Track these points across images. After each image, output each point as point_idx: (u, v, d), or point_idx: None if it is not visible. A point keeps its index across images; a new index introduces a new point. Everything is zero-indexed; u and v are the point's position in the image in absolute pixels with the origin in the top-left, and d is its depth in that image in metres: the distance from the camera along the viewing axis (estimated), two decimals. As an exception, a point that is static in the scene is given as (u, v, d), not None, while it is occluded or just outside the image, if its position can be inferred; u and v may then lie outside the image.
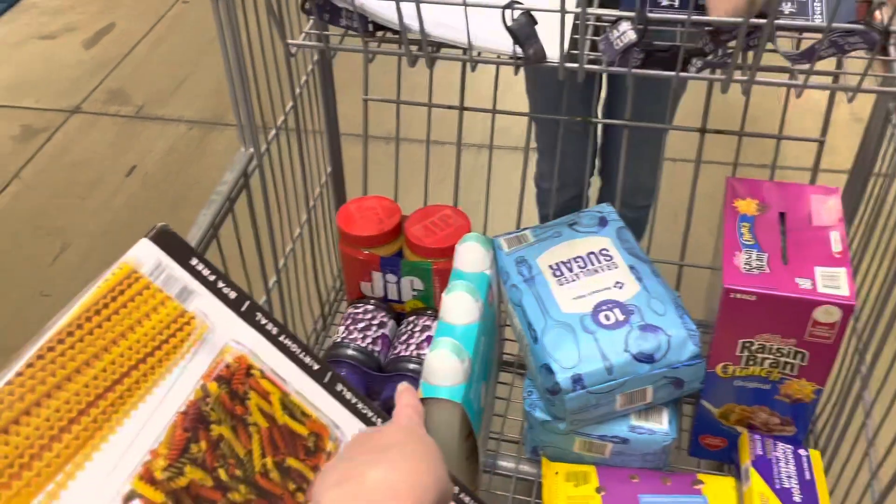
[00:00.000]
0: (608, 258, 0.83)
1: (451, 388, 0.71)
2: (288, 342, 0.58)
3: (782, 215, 0.78)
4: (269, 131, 0.89)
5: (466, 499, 0.66)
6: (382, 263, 0.95)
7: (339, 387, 0.60)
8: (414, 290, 0.96)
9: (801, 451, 0.78)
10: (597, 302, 0.79)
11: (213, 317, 0.55)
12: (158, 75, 2.48)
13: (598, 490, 0.78)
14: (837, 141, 1.54)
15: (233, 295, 0.56)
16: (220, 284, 0.56)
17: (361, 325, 0.94)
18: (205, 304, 0.55)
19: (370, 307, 0.96)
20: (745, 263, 0.73)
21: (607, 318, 0.77)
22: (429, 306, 0.97)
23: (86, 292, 0.50)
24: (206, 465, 0.50)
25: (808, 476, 0.76)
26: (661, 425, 0.79)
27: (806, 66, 0.66)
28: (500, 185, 1.24)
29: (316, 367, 0.59)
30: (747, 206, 0.79)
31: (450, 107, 0.96)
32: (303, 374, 0.58)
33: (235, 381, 0.54)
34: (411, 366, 0.89)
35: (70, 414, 0.46)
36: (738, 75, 0.67)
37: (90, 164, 2.15)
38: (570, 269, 0.82)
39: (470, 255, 0.83)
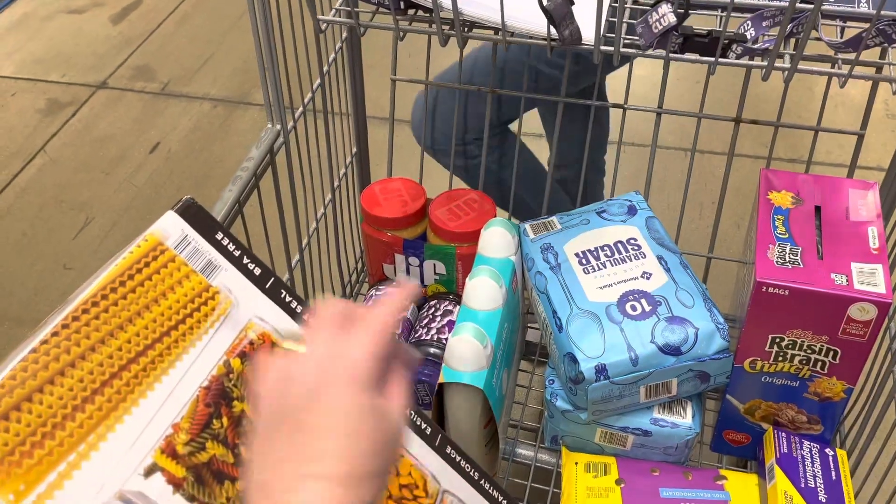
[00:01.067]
0: (636, 247, 0.81)
1: (472, 374, 0.70)
2: (312, 321, 0.57)
3: (818, 209, 0.76)
4: (295, 109, 0.89)
5: (486, 485, 0.65)
6: (405, 246, 0.94)
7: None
8: (436, 274, 0.95)
9: (828, 451, 0.77)
10: (623, 292, 0.77)
11: (238, 292, 0.54)
12: (184, 52, 2.48)
13: (618, 482, 0.77)
14: (870, 137, 1.51)
15: (258, 271, 0.56)
16: (246, 260, 0.55)
17: (383, 307, 0.93)
18: (229, 279, 0.54)
19: (392, 290, 0.96)
20: (779, 257, 0.71)
21: (634, 308, 0.76)
22: (451, 291, 0.96)
23: (111, 263, 0.50)
24: (227, 442, 0.50)
25: (834, 476, 0.74)
26: (684, 419, 0.78)
27: (850, 56, 0.64)
28: (525, 171, 1.22)
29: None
30: (782, 198, 0.77)
31: (480, 88, 0.94)
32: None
33: (258, 358, 0.54)
34: (432, 350, 0.88)
35: (94, 385, 0.46)
36: (778, 63, 0.65)
37: (114, 140, 2.15)
38: (597, 258, 0.81)
39: (495, 241, 0.82)
